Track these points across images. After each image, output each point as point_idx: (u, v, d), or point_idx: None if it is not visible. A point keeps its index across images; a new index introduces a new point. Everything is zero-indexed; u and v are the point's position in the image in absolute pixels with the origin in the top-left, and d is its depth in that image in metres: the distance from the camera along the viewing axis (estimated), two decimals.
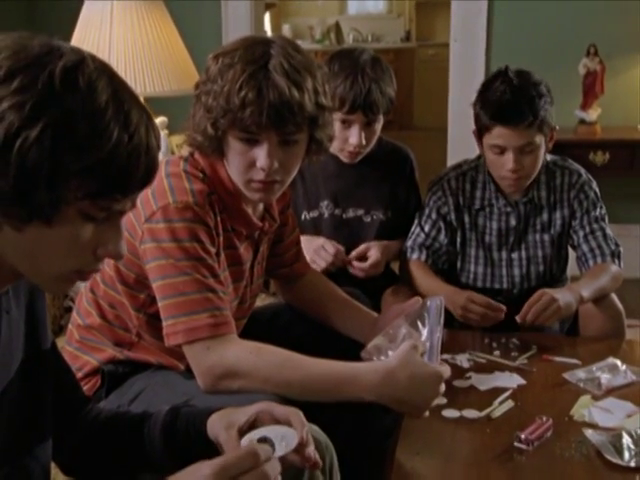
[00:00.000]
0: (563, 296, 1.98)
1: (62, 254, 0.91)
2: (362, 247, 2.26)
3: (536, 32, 3.73)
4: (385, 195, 2.36)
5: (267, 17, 7.31)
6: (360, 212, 2.34)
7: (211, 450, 1.14)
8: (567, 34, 3.68)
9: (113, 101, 0.87)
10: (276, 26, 8.29)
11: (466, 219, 2.26)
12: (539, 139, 2.08)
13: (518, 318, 1.97)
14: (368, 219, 2.34)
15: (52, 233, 0.89)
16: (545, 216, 2.23)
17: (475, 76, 3.78)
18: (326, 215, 2.32)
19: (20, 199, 0.85)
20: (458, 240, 2.28)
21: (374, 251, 2.26)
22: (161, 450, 1.19)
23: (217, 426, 1.16)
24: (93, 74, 0.87)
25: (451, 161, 3.89)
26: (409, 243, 2.29)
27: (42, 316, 1.12)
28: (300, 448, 1.10)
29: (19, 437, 1.04)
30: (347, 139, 2.17)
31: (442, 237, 2.26)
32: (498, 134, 2.06)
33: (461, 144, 3.89)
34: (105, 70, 0.90)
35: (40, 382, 1.09)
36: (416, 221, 2.30)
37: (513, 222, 2.23)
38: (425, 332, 1.55)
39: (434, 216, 2.27)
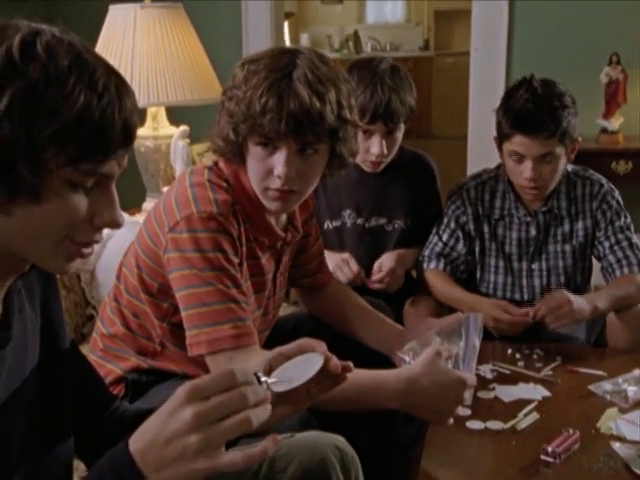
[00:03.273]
0: (577, 300, 1.97)
1: (57, 229, 0.92)
2: (375, 265, 2.26)
3: (558, 41, 3.70)
4: (406, 203, 2.35)
5: (285, 26, 7.32)
6: (382, 221, 2.34)
7: None
8: (589, 43, 3.65)
9: (76, 65, 0.88)
10: (294, 35, 8.31)
11: (485, 229, 2.25)
12: (559, 150, 2.06)
13: (530, 312, 1.98)
14: (390, 228, 2.34)
15: (42, 210, 0.89)
16: (566, 227, 2.21)
17: (496, 85, 3.76)
18: (349, 224, 2.32)
19: (1, 175, 0.86)
20: (477, 250, 2.27)
21: (386, 260, 2.26)
22: None
23: None
24: (51, 41, 0.89)
25: (471, 170, 3.88)
26: (426, 252, 2.29)
27: (58, 316, 1.12)
28: (325, 364, 1.06)
29: (38, 437, 1.04)
30: (369, 149, 2.16)
31: (460, 247, 2.26)
32: (518, 142, 2.06)
33: (481, 153, 3.87)
34: (64, 37, 0.91)
35: (58, 382, 1.09)
36: (434, 230, 2.30)
37: (533, 232, 2.21)
38: (461, 344, 1.54)
39: (452, 225, 2.26)
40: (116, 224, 0.96)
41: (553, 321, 1.96)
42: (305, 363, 1.04)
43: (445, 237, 2.27)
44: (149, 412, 1.21)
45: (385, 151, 2.17)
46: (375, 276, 2.25)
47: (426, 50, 8.75)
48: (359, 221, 2.32)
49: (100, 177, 0.93)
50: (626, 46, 3.55)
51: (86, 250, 0.97)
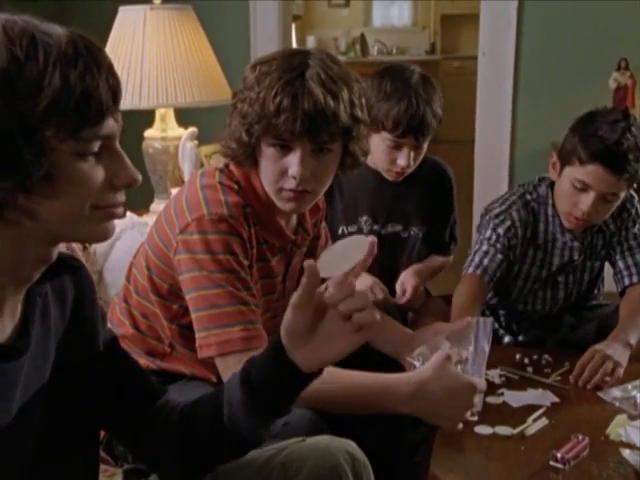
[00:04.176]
0: (615, 350, 1.87)
1: (82, 204, 0.92)
2: (398, 288, 2.22)
3: (566, 46, 3.70)
4: (423, 211, 2.34)
5: (292, 29, 7.33)
6: (398, 228, 2.33)
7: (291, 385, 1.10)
8: (598, 48, 3.65)
9: (39, 39, 0.88)
10: (301, 38, 8.32)
11: (529, 253, 2.15)
12: (622, 193, 1.99)
13: (572, 379, 1.86)
14: (405, 235, 2.33)
15: (61, 198, 0.90)
16: (594, 240, 2.17)
17: (503, 90, 3.77)
18: (365, 230, 2.30)
19: (9, 171, 0.86)
20: (513, 272, 2.18)
21: (405, 278, 2.24)
22: (240, 401, 1.10)
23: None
24: (7, 25, 0.88)
25: (478, 175, 3.89)
26: (485, 261, 2.09)
27: (91, 321, 1.12)
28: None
29: (55, 441, 1.04)
30: (395, 160, 2.15)
31: (501, 262, 2.11)
32: (592, 172, 1.93)
33: (488, 158, 3.88)
34: (16, 18, 0.90)
35: (84, 386, 1.09)
36: (484, 242, 2.11)
37: (576, 256, 2.15)
38: (470, 349, 1.54)
39: (503, 243, 2.09)
40: (134, 181, 0.97)
41: (600, 382, 1.84)
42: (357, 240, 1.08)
43: (499, 254, 2.10)
44: (199, 398, 1.20)
45: (412, 163, 2.15)
46: (402, 299, 2.21)
47: (432, 54, 8.75)
48: (375, 227, 2.31)
49: (103, 139, 0.93)
50: (635, 51, 3.56)
51: (117, 210, 0.97)
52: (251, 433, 1.12)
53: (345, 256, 1.07)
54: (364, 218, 2.30)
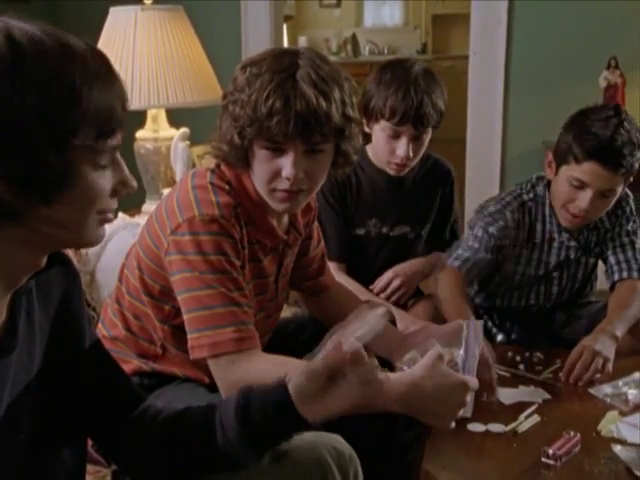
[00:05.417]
0: (602, 344, 1.88)
1: (90, 212, 0.95)
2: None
3: (557, 45, 3.71)
4: (428, 211, 2.36)
5: (284, 29, 7.33)
6: (406, 229, 2.34)
7: (290, 422, 1.13)
8: (587, 47, 3.66)
9: (67, 52, 0.90)
10: (292, 38, 8.32)
11: (523, 253, 2.17)
12: (619, 188, 1.99)
13: (562, 376, 1.88)
14: (412, 236, 2.35)
15: (74, 209, 0.93)
16: (590, 237, 2.18)
17: (494, 89, 3.78)
18: (373, 233, 2.32)
19: (36, 184, 0.88)
20: (505, 269, 2.19)
21: (387, 272, 2.28)
22: (236, 432, 1.13)
23: (297, 375, 1.13)
24: (33, 36, 0.89)
25: (469, 173, 3.89)
26: (467, 254, 2.16)
27: (78, 316, 1.12)
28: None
29: (43, 438, 1.04)
30: (394, 151, 2.15)
31: (488, 260, 2.17)
32: (589, 170, 1.93)
33: (479, 157, 3.88)
34: (36, 29, 0.91)
35: (69, 383, 1.09)
36: (471, 237, 2.17)
37: (572, 255, 2.17)
38: (461, 352, 1.54)
39: (493, 243, 2.13)
40: (133, 188, 1.01)
41: (592, 378, 1.85)
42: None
43: (483, 249, 2.15)
44: (184, 410, 1.21)
45: (411, 154, 2.14)
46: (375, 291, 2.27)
47: (424, 54, 8.74)
48: (384, 230, 2.32)
49: (112, 151, 0.96)
50: (624, 50, 3.56)
51: (111, 215, 1.00)
52: (245, 459, 1.15)
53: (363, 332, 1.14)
54: (373, 221, 2.31)
